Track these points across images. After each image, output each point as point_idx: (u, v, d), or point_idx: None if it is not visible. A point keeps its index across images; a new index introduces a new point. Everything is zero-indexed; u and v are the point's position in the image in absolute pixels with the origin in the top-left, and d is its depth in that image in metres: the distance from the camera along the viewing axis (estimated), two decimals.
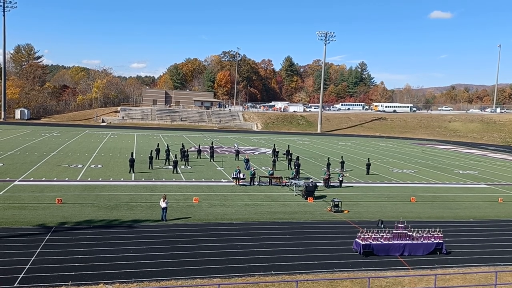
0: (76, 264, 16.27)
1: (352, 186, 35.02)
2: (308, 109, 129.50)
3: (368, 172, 41.34)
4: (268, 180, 34.16)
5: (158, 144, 49.54)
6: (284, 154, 48.57)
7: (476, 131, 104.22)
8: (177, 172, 36.64)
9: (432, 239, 19.60)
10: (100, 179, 32.57)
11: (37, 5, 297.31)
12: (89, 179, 32.56)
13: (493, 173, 46.67)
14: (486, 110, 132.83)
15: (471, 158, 61.16)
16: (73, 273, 15.52)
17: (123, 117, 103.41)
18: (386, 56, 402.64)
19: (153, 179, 33.57)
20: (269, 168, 39.80)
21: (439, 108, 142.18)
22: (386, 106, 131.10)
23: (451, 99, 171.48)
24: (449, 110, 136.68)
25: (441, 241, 19.64)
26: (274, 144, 53.15)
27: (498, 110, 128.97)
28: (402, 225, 19.63)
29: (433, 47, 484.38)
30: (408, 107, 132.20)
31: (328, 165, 40.09)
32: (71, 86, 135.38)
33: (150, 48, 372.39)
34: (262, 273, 16.46)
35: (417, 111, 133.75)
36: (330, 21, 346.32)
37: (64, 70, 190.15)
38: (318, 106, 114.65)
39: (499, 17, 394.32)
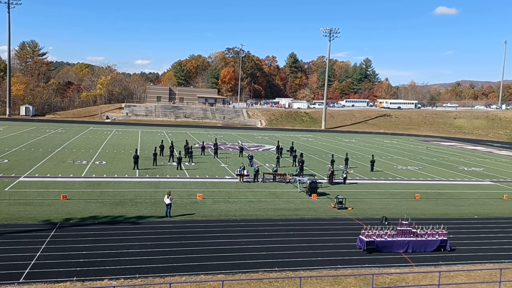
0: (81, 260, 16.36)
1: (356, 183, 34.97)
2: (312, 106, 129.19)
3: (372, 169, 41.24)
4: (272, 177, 34.18)
5: (162, 140, 49.64)
6: (288, 150, 48.58)
7: (481, 128, 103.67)
8: (181, 169, 36.71)
9: (437, 236, 19.56)
10: (105, 176, 32.69)
11: (42, 2, 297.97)
12: (93, 175, 32.69)
13: (498, 170, 46.45)
14: (492, 106, 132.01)
15: (476, 155, 60.89)
16: (78, 268, 15.61)
17: (127, 114, 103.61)
18: (391, 53, 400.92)
19: (157, 176, 33.66)
20: (273, 165, 39.77)
21: (444, 105, 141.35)
22: (390, 103, 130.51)
23: (456, 96, 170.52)
24: (454, 106, 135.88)
25: (446, 238, 19.60)
26: (278, 141, 53.10)
27: (503, 106, 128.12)
28: (406, 222, 19.60)
29: (438, 44, 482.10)
30: (413, 103, 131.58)
31: (332, 162, 40.03)
32: (75, 83, 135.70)
33: (154, 45, 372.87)
34: (265, 269, 16.49)
35: (422, 108, 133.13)
36: (335, 17, 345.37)
37: (68, 66, 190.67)
38: (322, 102, 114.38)
39: (505, 13, 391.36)
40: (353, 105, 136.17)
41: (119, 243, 18.43)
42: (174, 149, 42.43)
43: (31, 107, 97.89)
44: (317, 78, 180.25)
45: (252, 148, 54.67)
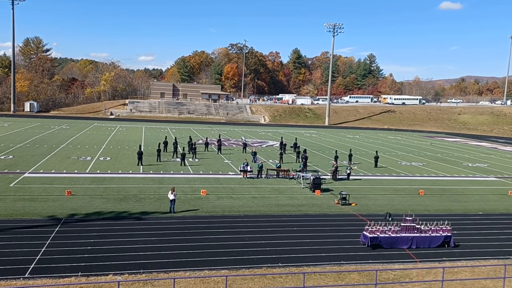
0: (86, 255, 16.45)
1: (360, 179, 34.92)
2: (315, 102, 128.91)
3: (376, 165, 41.16)
4: (276, 173, 34.18)
5: (166, 136, 49.75)
6: (291, 147, 48.55)
7: (486, 124, 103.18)
8: (184, 165, 36.78)
9: (440, 232, 19.52)
10: (109, 172, 32.81)
11: None
12: (98, 171, 32.81)
13: (502, 166, 46.24)
14: (496, 102, 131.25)
15: (480, 151, 60.63)
16: (82, 264, 15.70)
17: (131, 110, 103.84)
18: (395, 48, 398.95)
19: (161, 172, 33.74)
20: (277, 161, 39.80)
21: (449, 101, 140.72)
22: (395, 99, 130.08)
23: (460, 92, 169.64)
24: (458, 102, 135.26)
25: (449, 234, 19.56)
26: (282, 137, 53.09)
27: (508, 102, 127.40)
28: (410, 218, 19.56)
29: (443, 39, 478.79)
30: (417, 99, 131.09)
31: (336, 158, 39.97)
32: (79, 79, 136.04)
33: (157, 41, 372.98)
34: (269, 265, 16.52)
35: (426, 104, 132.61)
36: (339, 13, 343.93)
37: (72, 63, 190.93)
38: (326, 98, 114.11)
39: (510, 8, 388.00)
40: (357, 101, 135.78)
41: (123, 238, 18.51)
42: (178, 145, 42.49)
43: (35, 103, 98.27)
44: (321, 74, 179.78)
45: (255, 144, 54.68)
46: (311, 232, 20.59)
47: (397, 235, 19.06)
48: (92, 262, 15.86)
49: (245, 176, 33.19)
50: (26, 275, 14.59)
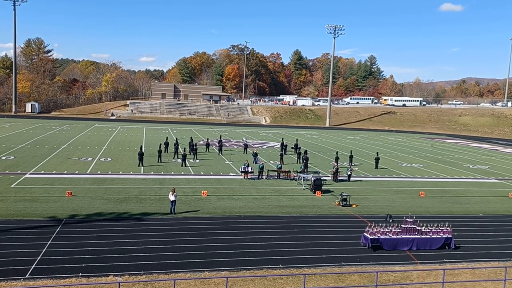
0: (86, 256, 16.46)
1: (360, 180, 34.91)
2: (316, 103, 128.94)
3: (376, 166, 41.15)
4: (276, 174, 34.18)
5: (167, 137, 49.77)
6: (292, 148, 48.56)
7: (486, 125, 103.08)
8: (185, 166, 36.79)
9: (441, 234, 19.51)
10: (110, 172, 32.82)
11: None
12: (98, 172, 32.83)
13: (503, 168, 46.19)
14: (497, 104, 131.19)
15: (481, 153, 60.58)
16: (83, 265, 15.72)
17: (132, 111, 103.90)
18: (396, 50, 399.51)
19: (162, 173, 33.76)
20: (277, 162, 39.79)
21: (449, 102, 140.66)
22: (395, 100, 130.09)
23: (461, 93, 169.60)
24: (459, 104, 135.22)
25: (450, 236, 19.54)
26: (283, 138, 53.06)
27: (509, 104, 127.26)
28: (411, 220, 19.54)
29: (443, 41, 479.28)
30: (418, 101, 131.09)
31: (337, 159, 39.96)
32: (80, 80, 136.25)
33: (159, 42, 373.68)
34: (270, 266, 16.52)
35: (427, 105, 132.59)
36: (339, 14, 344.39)
37: (73, 64, 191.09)
38: (327, 100, 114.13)
39: (511, 9, 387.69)
40: (357, 102, 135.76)
41: (124, 239, 18.52)
42: (179, 146, 42.52)
43: (36, 104, 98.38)
44: (322, 75, 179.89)
45: (256, 145, 54.69)
46: (312, 234, 20.59)
47: (398, 236, 19.05)
48: (92, 263, 15.87)
49: (246, 177, 33.20)
50: (26, 276, 14.61)
